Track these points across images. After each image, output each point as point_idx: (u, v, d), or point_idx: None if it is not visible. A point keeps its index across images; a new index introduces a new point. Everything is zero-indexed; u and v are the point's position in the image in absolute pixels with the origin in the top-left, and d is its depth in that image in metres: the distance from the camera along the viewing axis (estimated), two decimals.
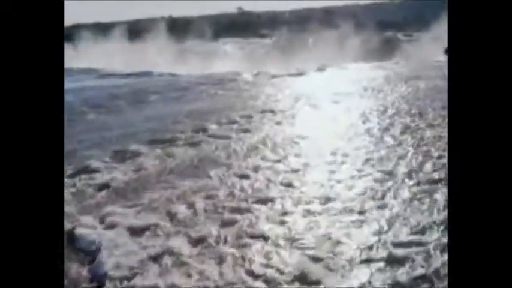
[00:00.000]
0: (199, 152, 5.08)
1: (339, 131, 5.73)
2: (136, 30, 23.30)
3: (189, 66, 15.33)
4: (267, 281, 2.48)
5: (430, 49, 16.65)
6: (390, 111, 6.79)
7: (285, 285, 2.45)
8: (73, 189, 4.05)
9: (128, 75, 14.33)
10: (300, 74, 12.89)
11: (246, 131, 6.03)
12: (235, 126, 6.35)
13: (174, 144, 5.45)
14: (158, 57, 17.18)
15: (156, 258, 2.74)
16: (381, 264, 2.58)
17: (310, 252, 2.74)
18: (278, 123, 6.48)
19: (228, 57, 17.91)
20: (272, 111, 7.27)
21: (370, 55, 16.22)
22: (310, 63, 14.10)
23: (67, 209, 3.42)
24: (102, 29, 23.27)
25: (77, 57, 17.33)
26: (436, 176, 3.90)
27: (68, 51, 16.98)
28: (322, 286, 2.43)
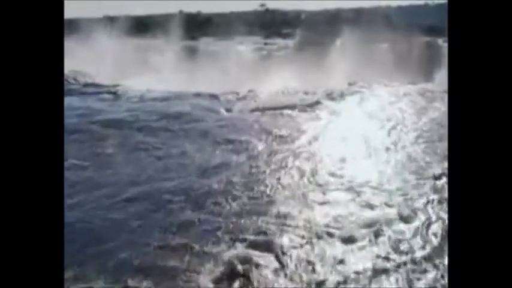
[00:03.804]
0: None
1: None
2: (147, 25, 22.93)
3: (190, 68, 14.72)
4: None
5: None
6: None
7: None
8: None
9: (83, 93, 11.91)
10: (315, 103, 9.74)
11: None
12: None
13: None
14: (161, 56, 16.64)
15: None
16: None
17: None
18: None
19: (239, 59, 16.95)
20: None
21: (408, 66, 14.84)
22: (334, 74, 13.24)
23: None
24: (108, 24, 22.63)
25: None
26: None
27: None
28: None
